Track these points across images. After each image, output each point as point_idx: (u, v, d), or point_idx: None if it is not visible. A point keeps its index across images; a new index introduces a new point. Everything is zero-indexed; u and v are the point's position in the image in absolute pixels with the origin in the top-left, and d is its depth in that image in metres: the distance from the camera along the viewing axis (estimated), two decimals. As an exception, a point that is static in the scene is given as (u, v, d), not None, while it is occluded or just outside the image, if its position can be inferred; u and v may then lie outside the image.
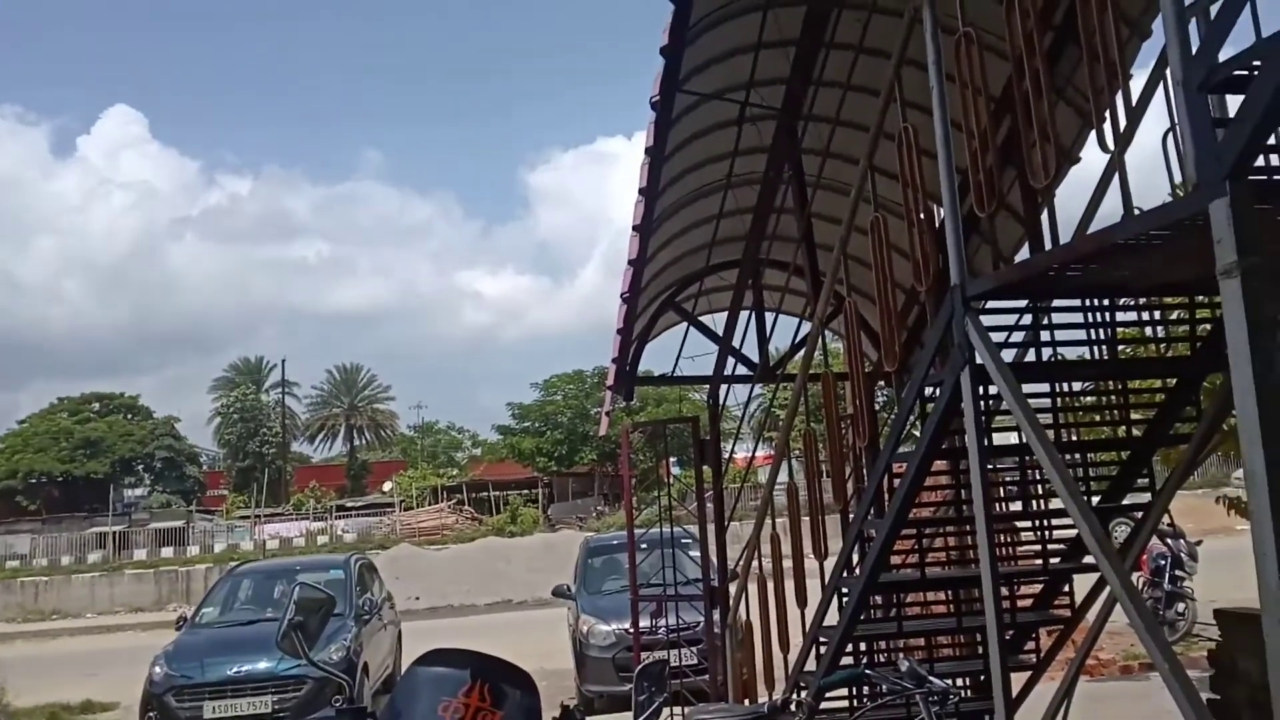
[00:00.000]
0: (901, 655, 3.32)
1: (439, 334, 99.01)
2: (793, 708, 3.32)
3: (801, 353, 6.21)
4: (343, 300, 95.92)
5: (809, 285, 5.93)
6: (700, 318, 7.36)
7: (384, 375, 75.41)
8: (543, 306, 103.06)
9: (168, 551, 31.69)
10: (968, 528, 5.84)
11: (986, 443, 3.79)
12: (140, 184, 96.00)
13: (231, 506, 44.91)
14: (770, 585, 5.44)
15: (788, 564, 5.37)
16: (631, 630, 8.25)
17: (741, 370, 7.14)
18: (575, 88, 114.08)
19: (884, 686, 3.22)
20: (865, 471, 4.68)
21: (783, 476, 6.06)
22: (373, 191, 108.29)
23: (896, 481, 4.31)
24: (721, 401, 7.32)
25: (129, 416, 51.19)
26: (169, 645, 9.70)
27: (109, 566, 29.42)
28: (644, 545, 7.93)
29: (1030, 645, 5.42)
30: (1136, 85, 4.40)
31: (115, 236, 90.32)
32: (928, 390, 4.16)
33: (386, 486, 48.24)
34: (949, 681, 3.42)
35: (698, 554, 8.95)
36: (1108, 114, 3.14)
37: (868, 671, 3.32)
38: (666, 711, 3.24)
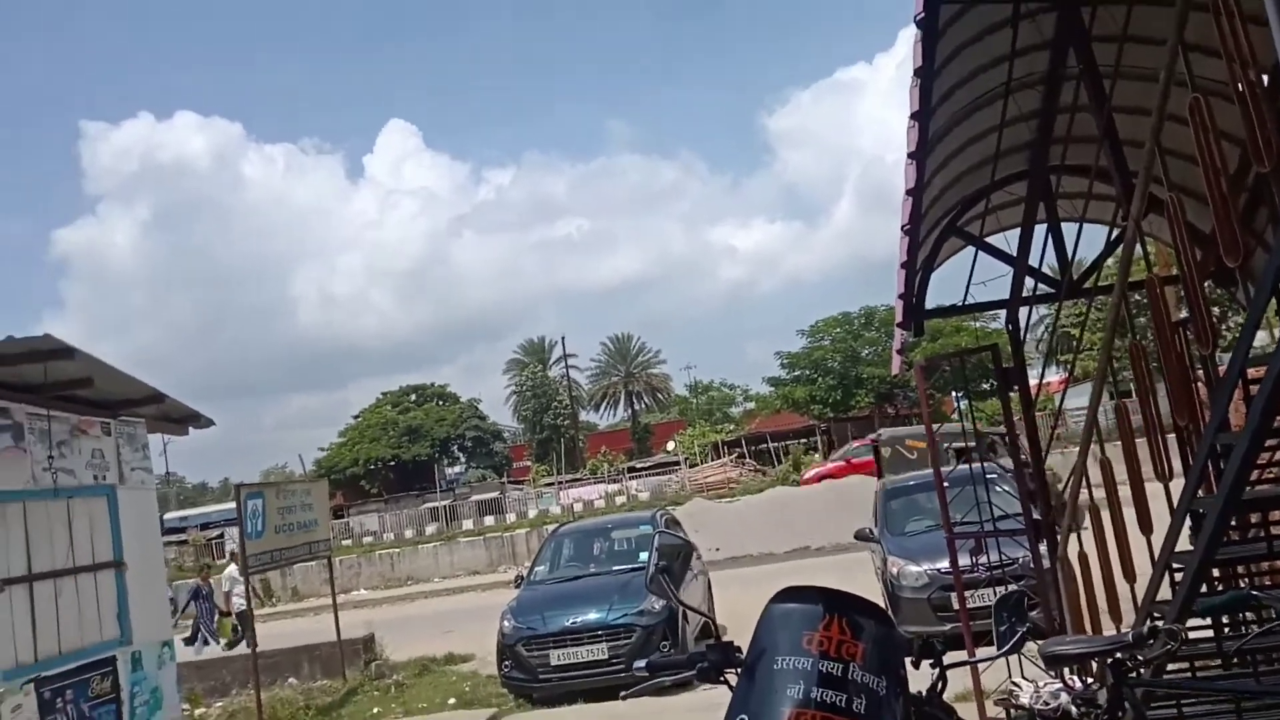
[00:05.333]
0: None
1: (699, 294, 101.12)
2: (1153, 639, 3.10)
3: (1112, 262, 5.72)
4: (607, 272, 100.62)
5: (1117, 186, 5.41)
6: (988, 239, 6.95)
7: (653, 340, 78.49)
8: (798, 252, 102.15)
9: (489, 520, 35.09)
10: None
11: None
12: (421, 190, 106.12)
13: (536, 475, 48.81)
14: (1105, 513, 5.10)
15: (1121, 490, 5.01)
16: (945, 570, 8.06)
17: (1042, 289, 6.68)
18: (805, 24, 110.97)
19: (1275, 611, 2.93)
20: (1209, 380, 4.24)
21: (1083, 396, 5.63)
22: (623, 162, 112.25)
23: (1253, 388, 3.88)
24: (1024, 324, 6.88)
25: (440, 403, 56.97)
26: (512, 602, 10.77)
27: (444, 536, 33.11)
28: (947, 484, 7.69)
29: None
30: None
31: (407, 243, 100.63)
32: None
33: (670, 446, 50.19)
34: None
35: (1008, 488, 8.56)
36: None
37: (1255, 593, 3.04)
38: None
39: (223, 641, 15.25)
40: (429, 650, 13.31)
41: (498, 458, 56.13)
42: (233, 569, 15.57)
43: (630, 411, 68.27)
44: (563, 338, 65.12)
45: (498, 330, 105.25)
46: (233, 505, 11.90)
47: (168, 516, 49.75)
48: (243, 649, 14.59)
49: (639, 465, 47.34)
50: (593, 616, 9.80)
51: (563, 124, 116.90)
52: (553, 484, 43.61)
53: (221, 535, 37.55)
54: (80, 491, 7.67)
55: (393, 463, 52.26)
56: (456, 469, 54.75)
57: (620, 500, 35.27)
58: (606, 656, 9.50)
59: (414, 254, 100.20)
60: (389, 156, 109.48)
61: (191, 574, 30.73)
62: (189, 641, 15.68)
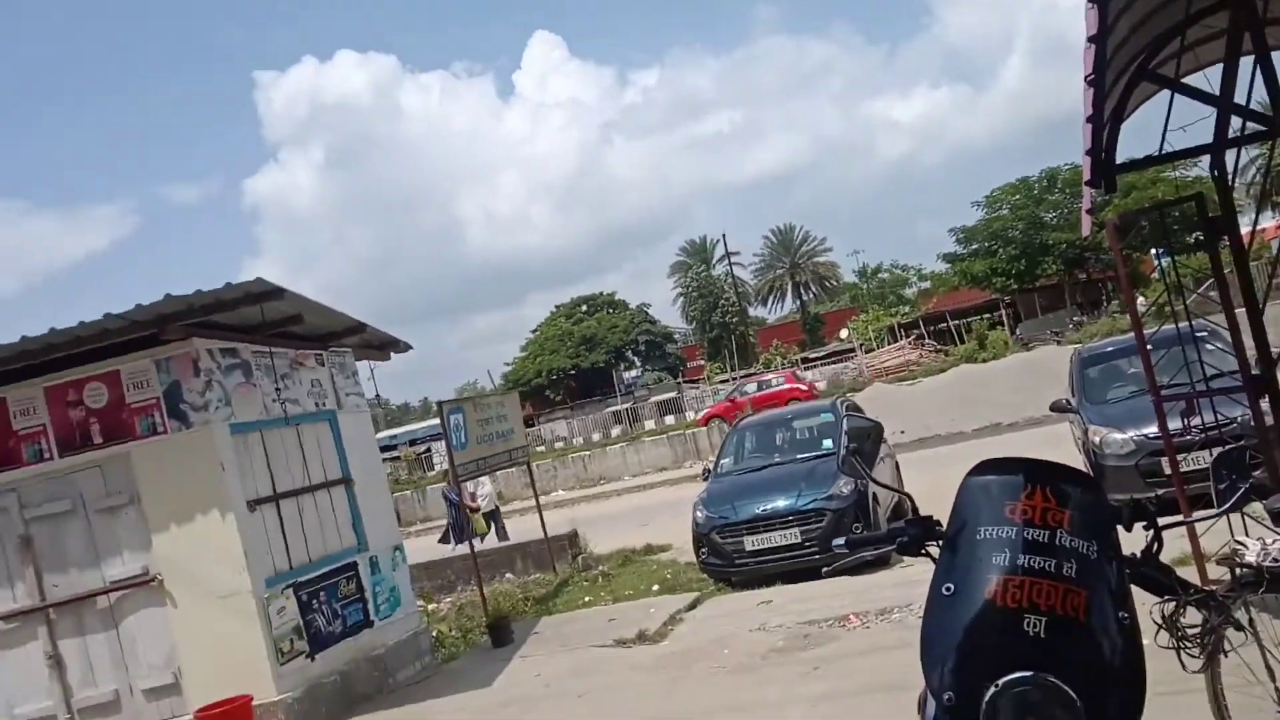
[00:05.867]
0: None
1: (861, 174, 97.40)
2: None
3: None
4: (760, 163, 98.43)
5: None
6: (1185, 79, 6.31)
7: (816, 228, 76.38)
8: (965, 118, 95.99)
9: (669, 419, 36.07)
10: None
11: None
12: (569, 101, 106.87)
13: (710, 373, 49.44)
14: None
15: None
16: (1152, 435, 7.65)
17: (1251, 127, 6.03)
18: None
19: None
20: None
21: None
22: (770, 47, 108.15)
23: None
24: (1233, 169, 6.27)
25: (610, 311, 58.37)
26: (702, 493, 11.13)
27: (629, 437, 34.35)
28: (1151, 346, 7.24)
29: None
30: None
31: (560, 156, 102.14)
32: None
33: (843, 333, 49.35)
34: None
35: (1218, 345, 7.97)
36: None
37: None
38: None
39: (478, 536, 16.46)
40: (628, 543, 13.94)
41: (671, 359, 57.23)
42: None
43: (799, 303, 67.42)
44: (723, 235, 64.97)
45: (657, 234, 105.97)
46: (435, 422, 12.73)
47: (379, 436, 54.03)
48: (493, 540, 16.03)
49: (812, 355, 46.97)
50: (781, 504, 9.99)
51: (706, 13, 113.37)
52: (727, 380, 44.05)
53: (428, 449, 40.48)
54: (306, 418, 8.54)
55: (573, 371, 54.37)
56: (633, 373, 56.33)
57: (797, 391, 35.21)
58: (800, 540, 9.71)
59: (568, 166, 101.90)
60: (536, 70, 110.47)
61: (406, 486, 33.60)
62: (443, 540, 17.12)
